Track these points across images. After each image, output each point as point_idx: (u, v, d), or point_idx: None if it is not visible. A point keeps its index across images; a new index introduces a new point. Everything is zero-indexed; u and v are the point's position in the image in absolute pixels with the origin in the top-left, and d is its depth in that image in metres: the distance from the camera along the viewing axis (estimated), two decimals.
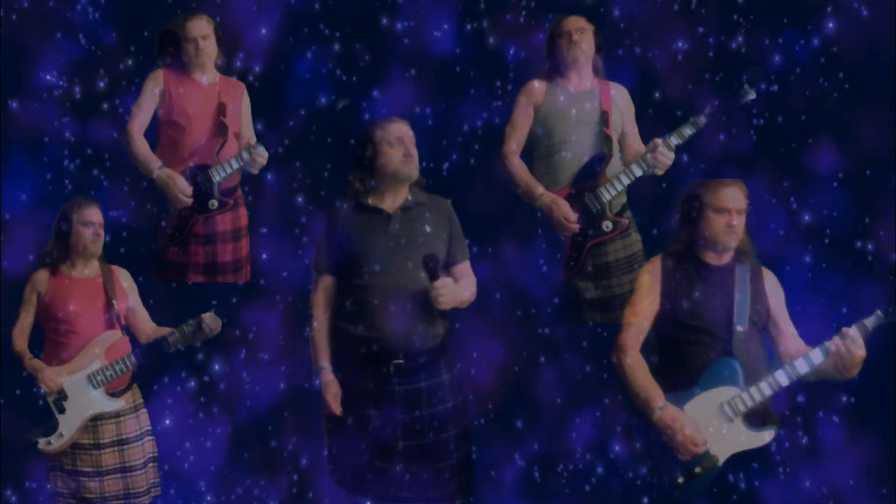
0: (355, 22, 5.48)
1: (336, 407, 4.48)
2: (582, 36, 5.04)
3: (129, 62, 5.31)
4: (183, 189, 5.07)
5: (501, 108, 5.38)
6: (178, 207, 5.13)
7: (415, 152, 4.53)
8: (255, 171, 5.17)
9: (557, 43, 5.08)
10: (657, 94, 5.31)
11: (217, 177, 5.11)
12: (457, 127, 5.47)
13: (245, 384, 5.37)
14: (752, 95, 4.95)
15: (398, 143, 4.50)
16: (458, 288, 4.48)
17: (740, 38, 5.30)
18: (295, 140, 5.30)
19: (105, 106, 5.30)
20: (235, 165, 5.12)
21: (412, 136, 4.55)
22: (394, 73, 5.47)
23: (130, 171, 5.21)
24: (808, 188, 5.22)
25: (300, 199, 5.38)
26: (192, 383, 5.30)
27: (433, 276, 4.38)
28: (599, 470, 5.17)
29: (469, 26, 5.48)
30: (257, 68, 5.38)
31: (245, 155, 5.10)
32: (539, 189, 5.02)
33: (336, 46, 5.46)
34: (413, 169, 4.52)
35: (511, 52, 5.47)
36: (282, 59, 5.44)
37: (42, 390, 4.73)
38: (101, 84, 5.30)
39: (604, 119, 5.05)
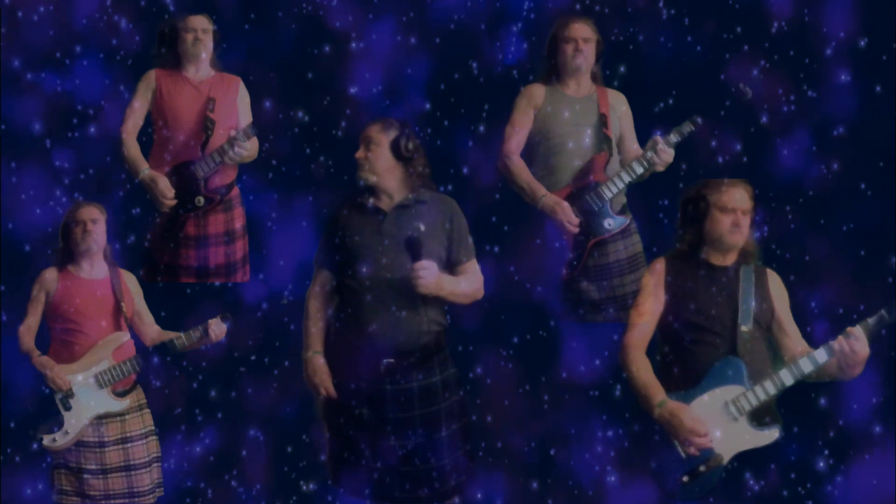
0: None
1: (330, 390, 4.47)
2: (587, 45, 5.04)
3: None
4: (163, 192, 5.07)
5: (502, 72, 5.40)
6: (163, 210, 5.12)
7: (364, 153, 4.49)
8: (238, 160, 5.12)
9: (561, 48, 5.06)
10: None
11: (201, 172, 5.10)
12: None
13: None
14: (749, 94, 4.98)
15: (361, 145, 4.53)
16: (446, 276, 4.43)
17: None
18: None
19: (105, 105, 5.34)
20: (218, 159, 5.10)
21: (376, 136, 4.48)
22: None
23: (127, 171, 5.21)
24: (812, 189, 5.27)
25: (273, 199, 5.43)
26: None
27: (415, 259, 4.34)
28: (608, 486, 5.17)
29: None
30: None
31: (227, 147, 5.08)
32: (541, 190, 5.00)
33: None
34: (361, 170, 4.50)
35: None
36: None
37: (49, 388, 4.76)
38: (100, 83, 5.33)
39: (602, 121, 5.05)
